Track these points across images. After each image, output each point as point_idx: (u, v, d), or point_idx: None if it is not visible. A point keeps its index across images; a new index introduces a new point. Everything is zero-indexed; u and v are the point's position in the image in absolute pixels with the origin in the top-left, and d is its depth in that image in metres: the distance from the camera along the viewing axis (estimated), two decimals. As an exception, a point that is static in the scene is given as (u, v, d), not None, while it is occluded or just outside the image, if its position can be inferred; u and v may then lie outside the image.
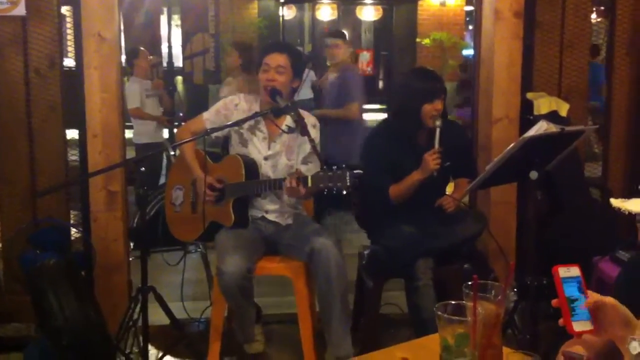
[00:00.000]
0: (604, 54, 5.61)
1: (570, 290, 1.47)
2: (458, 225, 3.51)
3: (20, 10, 3.84)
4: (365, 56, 16.40)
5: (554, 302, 1.48)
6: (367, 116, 13.07)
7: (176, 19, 13.04)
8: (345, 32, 7.86)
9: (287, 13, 14.64)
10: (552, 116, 3.92)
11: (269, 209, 3.55)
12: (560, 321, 1.47)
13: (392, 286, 3.63)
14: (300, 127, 3.37)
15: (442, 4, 14.81)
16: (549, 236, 3.32)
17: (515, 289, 3.48)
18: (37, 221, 3.90)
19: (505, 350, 1.65)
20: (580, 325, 1.45)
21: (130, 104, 6.58)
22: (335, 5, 14.97)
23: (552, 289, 1.51)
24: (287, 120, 3.52)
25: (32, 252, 3.51)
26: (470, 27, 15.53)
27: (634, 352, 1.37)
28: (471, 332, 1.53)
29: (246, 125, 3.52)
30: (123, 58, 4.91)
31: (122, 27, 4.33)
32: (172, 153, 3.24)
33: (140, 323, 3.24)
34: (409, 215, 3.50)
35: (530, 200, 3.18)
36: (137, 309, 3.25)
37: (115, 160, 3.84)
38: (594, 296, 1.48)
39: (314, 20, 16.69)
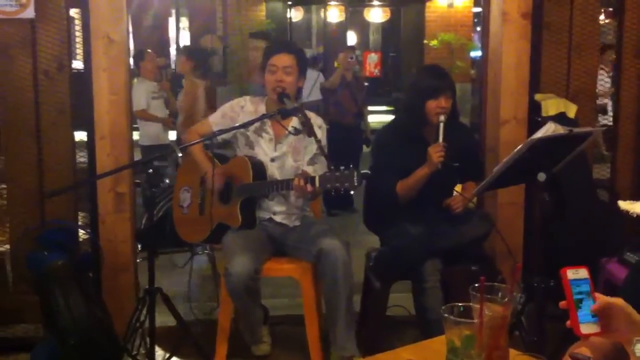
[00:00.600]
0: (613, 55, 5.58)
1: (578, 292, 1.46)
2: (465, 225, 3.51)
3: (29, 12, 3.86)
4: (373, 58, 16.41)
5: (562, 303, 1.48)
6: (374, 117, 13.12)
7: (184, 21, 13.07)
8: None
9: (295, 15, 14.65)
10: (560, 118, 3.91)
11: (277, 211, 3.56)
12: (568, 323, 1.47)
13: (399, 288, 3.63)
14: (307, 128, 3.38)
15: (450, 5, 14.78)
16: (556, 238, 3.30)
17: (522, 291, 3.47)
18: (45, 222, 3.91)
19: (512, 352, 1.64)
20: (587, 328, 1.45)
21: (136, 106, 6.59)
22: (342, 7, 14.97)
23: (559, 290, 1.51)
24: (294, 122, 3.53)
25: (40, 253, 3.52)
26: (478, 29, 15.52)
27: (639, 354, 1.37)
28: (478, 334, 1.53)
29: (252, 127, 3.52)
30: (131, 60, 4.92)
31: (130, 29, 4.34)
32: (180, 155, 3.24)
33: (147, 324, 3.25)
34: (417, 215, 3.51)
35: (537, 201, 3.17)
36: (144, 311, 3.26)
37: (124, 162, 3.84)
38: (602, 299, 1.48)
39: (321, 22, 16.71)
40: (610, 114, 6.89)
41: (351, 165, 3.08)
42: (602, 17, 8.93)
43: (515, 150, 2.97)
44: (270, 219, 3.56)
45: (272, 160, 3.52)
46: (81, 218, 4.17)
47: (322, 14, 15.28)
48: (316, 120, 3.54)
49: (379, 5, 15.08)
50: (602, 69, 6.60)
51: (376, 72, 16.16)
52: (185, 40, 13.23)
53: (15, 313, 3.98)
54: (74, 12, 4.38)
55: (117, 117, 3.85)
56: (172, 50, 11.49)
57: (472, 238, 3.50)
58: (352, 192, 3.12)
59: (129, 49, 4.03)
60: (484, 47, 4.31)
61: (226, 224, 3.50)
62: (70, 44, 4.05)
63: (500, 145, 3.98)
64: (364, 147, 7.75)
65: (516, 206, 4.04)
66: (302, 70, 3.56)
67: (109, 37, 3.80)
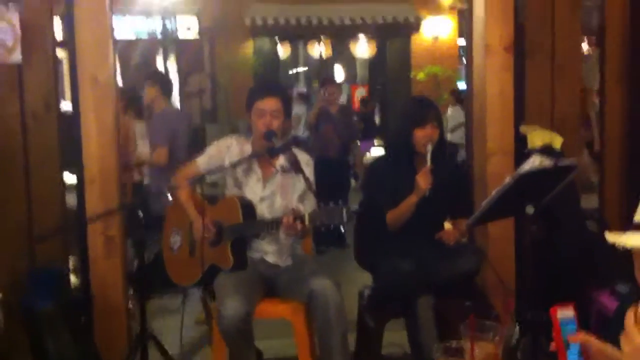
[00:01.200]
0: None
1: (567, 332, 1.47)
2: (457, 259, 3.52)
3: (16, 57, 3.87)
4: (361, 92, 16.52)
5: (552, 345, 1.49)
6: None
7: (172, 59, 13.15)
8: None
9: (282, 51, 14.75)
10: (547, 149, 3.94)
11: (268, 250, 3.55)
12: None
13: (394, 326, 3.61)
14: (294, 166, 3.40)
15: (435, 39, 14.93)
16: (548, 271, 3.31)
17: (517, 325, 3.46)
18: (35, 266, 3.88)
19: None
20: None
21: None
22: (329, 42, 15.09)
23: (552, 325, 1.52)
24: (281, 160, 3.54)
25: (31, 297, 3.49)
26: (464, 60, 15.66)
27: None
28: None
29: (240, 167, 3.53)
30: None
31: (118, 69, 4.36)
32: (170, 198, 3.24)
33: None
34: (408, 249, 3.51)
35: (527, 234, 3.18)
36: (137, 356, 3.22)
37: (113, 204, 3.83)
38: (579, 336, 1.49)
39: (308, 57, 16.83)
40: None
41: (340, 201, 3.09)
42: (585, 45, 9.07)
43: (503, 184, 2.99)
44: (262, 259, 3.55)
45: (261, 199, 3.52)
46: (72, 260, 4.15)
47: (309, 50, 15.39)
48: (303, 157, 3.56)
49: (365, 40, 15.20)
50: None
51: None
52: (173, 78, 13.30)
53: (3, 354, 3.93)
54: (60, 53, 4.42)
55: (106, 158, 3.84)
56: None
57: (465, 272, 3.50)
58: (342, 229, 3.13)
59: (117, 89, 4.05)
60: (469, 80, 4.36)
61: (218, 266, 3.49)
62: (58, 85, 4.07)
63: (488, 177, 3.99)
64: (353, 181, 7.70)
65: (507, 240, 4.04)
66: (288, 112, 3.59)
67: (96, 79, 3.80)
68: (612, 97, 4.35)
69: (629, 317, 1.41)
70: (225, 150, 3.60)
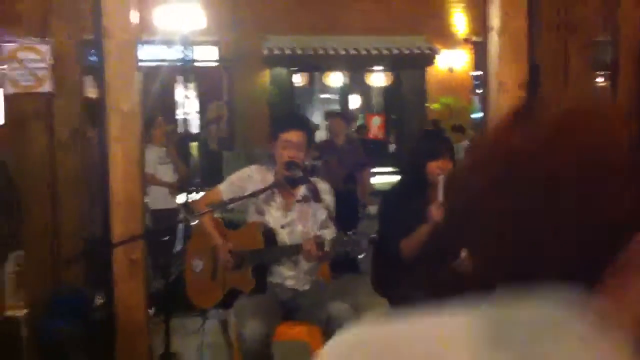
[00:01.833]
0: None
1: None
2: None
3: (47, 87, 4.03)
4: (377, 120, 16.70)
5: None
6: (377, 179, 13.21)
7: (192, 88, 13.36)
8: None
9: (298, 80, 14.96)
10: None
11: (287, 275, 3.66)
12: None
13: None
14: (314, 195, 3.52)
15: (450, 70, 15.11)
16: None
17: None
18: (60, 288, 4.01)
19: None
20: None
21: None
22: (346, 73, 15.29)
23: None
24: (302, 189, 3.66)
25: (53, 320, 3.60)
26: (478, 91, 15.79)
27: None
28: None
29: (262, 196, 3.65)
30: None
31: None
32: (193, 223, 3.37)
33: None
34: (424, 278, 3.60)
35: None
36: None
37: (137, 229, 3.94)
38: None
39: (324, 87, 17.04)
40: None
41: (360, 230, 3.21)
42: (599, 79, 9.15)
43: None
44: (281, 284, 3.66)
45: (282, 227, 3.64)
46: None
47: (324, 80, 15.59)
48: (323, 186, 3.68)
49: (380, 70, 15.39)
50: None
51: (380, 134, 16.42)
52: (192, 106, 13.50)
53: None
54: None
55: (131, 186, 3.96)
56: (180, 115, 11.75)
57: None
58: (361, 256, 3.24)
59: (141, 120, 4.18)
60: (485, 114, 4.47)
61: (238, 289, 3.60)
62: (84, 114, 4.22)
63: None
64: (363, 209, 7.69)
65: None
66: (310, 143, 3.73)
67: (123, 110, 3.93)
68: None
69: None
70: (246, 178, 3.73)
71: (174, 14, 10.21)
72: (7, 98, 4.13)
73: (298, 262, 3.63)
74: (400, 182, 4.09)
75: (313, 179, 3.67)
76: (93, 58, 4.04)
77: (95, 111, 4.02)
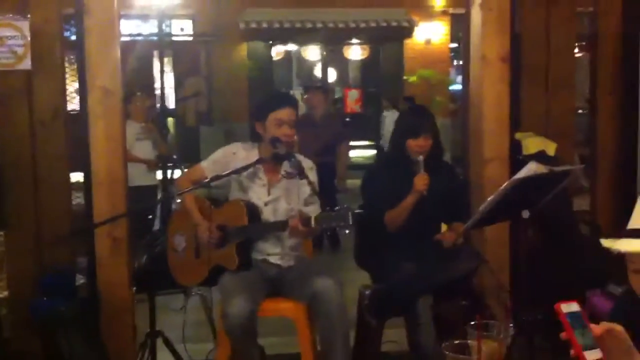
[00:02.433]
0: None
1: (574, 324, 1.57)
2: (455, 261, 3.64)
3: (26, 64, 3.97)
4: (354, 94, 16.68)
5: (563, 335, 1.58)
6: (356, 152, 13.21)
7: (168, 62, 13.24)
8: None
9: (276, 54, 14.89)
10: (540, 156, 4.07)
11: (271, 252, 3.66)
12: (572, 352, 1.55)
13: (392, 323, 3.73)
14: (299, 171, 3.53)
15: (428, 42, 15.10)
16: (542, 273, 3.43)
17: (512, 325, 3.59)
18: (44, 268, 3.98)
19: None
20: (590, 355, 1.55)
21: None
22: (322, 46, 15.24)
23: (548, 325, 1.62)
24: (285, 166, 3.66)
25: (41, 299, 3.59)
26: (456, 63, 15.82)
27: None
28: (476, 369, 1.65)
29: (245, 172, 3.64)
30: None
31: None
32: (178, 200, 3.36)
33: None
34: (407, 251, 3.64)
35: (522, 238, 3.31)
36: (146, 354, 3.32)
37: (120, 207, 3.92)
38: (603, 325, 1.59)
39: (302, 60, 16.97)
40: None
41: (345, 206, 3.22)
42: (576, 50, 9.20)
43: (499, 189, 3.11)
44: (265, 260, 3.66)
45: (266, 204, 3.64)
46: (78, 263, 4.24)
47: (302, 53, 15.53)
48: (307, 163, 3.69)
49: (358, 44, 15.35)
50: None
51: (357, 108, 16.42)
52: (169, 81, 13.39)
53: (14, 357, 4.02)
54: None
55: (114, 163, 3.93)
56: (157, 91, 11.61)
57: (462, 273, 3.62)
58: (346, 232, 3.25)
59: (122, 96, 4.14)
60: (464, 88, 4.48)
61: (222, 266, 3.60)
62: (66, 91, 4.17)
63: (485, 183, 4.11)
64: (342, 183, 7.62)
65: (502, 243, 4.15)
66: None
67: (104, 87, 3.89)
68: (603, 105, 4.48)
69: None
70: (231, 156, 3.71)
71: (150, -13, 10.08)
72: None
73: (282, 239, 3.64)
74: (383, 156, 4.13)
75: (298, 156, 3.67)
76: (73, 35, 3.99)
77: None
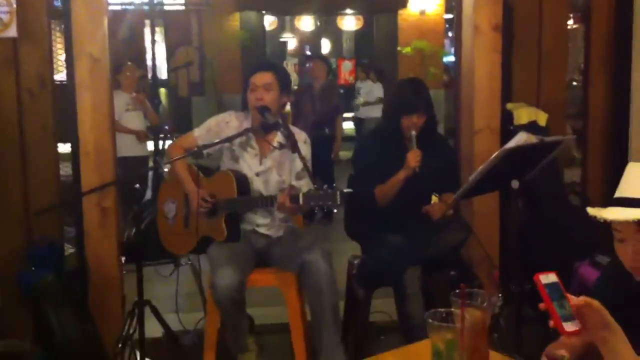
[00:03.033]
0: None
1: (552, 295, 1.57)
2: (444, 233, 3.64)
3: (12, 31, 3.91)
4: (347, 65, 16.59)
5: (541, 305, 1.58)
6: (348, 124, 13.14)
7: (160, 32, 13.11)
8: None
9: (269, 24, 14.76)
10: (532, 126, 4.05)
11: (260, 223, 3.65)
12: (551, 323, 1.56)
13: (381, 294, 3.73)
14: (290, 143, 3.49)
15: (422, 13, 14.98)
16: (531, 243, 3.43)
17: (500, 295, 3.60)
18: (32, 239, 3.96)
19: (492, 354, 1.75)
20: (569, 326, 1.55)
21: None
22: (316, 16, 15.12)
23: (535, 294, 1.62)
24: (278, 137, 3.63)
25: (29, 270, 3.57)
26: (450, 34, 15.73)
27: None
28: (459, 338, 1.64)
29: (237, 141, 3.61)
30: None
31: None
32: (166, 170, 3.32)
33: (136, 337, 3.31)
34: (397, 223, 3.63)
35: (511, 208, 3.30)
36: (134, 323, 3.32)
37: (108, 177, 3.90)
38: (581, 298, 1.59)
39: (295, 31, 16.85)
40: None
41: (334, 185, 3.20)
42: (570, 22, 9.14)
43: (490, 159, 3.09)
44: (254, 231, 3.65)
45: (257, 174, 3.61)
46: (66, 233, 4.22)
47: (296, 23, 15.40)
48: (300, 136, 3.64)
49: (352, 14, 15.22)
50: None
51: (351, 79, 16.33)
52: (161, 51, 13.27)
53: (2, 329, 4.01)
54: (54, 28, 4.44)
55: (101, 133, 3.91)
56: (148, 61, 11.51)
57: (451, 245, 3.62)
58: (334, 211, 3.24)
59: (110, 66, 4.09)
60: (457, 59, 4.45)
61: (211, 237, 3.58)
62: (53, 60, 4.11)
63: (475, 153, 4.10)
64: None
65: (491, 214, 4.16)
66: (284, 87, 3.65)
67: (92, 56, 3.84)
68: (595, 77, 4.45)
69: None
70: (224, 124, 3.68)
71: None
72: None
73: (272, 211, 3.62)
74: (376, 130, 4.09)
75: (292, 128, 3.63)
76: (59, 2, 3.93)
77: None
